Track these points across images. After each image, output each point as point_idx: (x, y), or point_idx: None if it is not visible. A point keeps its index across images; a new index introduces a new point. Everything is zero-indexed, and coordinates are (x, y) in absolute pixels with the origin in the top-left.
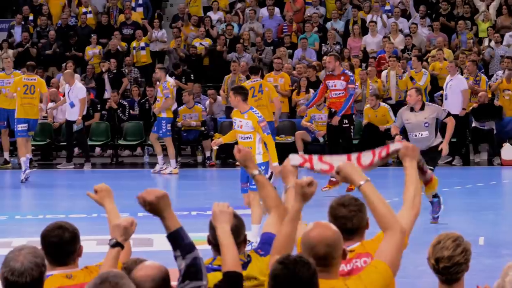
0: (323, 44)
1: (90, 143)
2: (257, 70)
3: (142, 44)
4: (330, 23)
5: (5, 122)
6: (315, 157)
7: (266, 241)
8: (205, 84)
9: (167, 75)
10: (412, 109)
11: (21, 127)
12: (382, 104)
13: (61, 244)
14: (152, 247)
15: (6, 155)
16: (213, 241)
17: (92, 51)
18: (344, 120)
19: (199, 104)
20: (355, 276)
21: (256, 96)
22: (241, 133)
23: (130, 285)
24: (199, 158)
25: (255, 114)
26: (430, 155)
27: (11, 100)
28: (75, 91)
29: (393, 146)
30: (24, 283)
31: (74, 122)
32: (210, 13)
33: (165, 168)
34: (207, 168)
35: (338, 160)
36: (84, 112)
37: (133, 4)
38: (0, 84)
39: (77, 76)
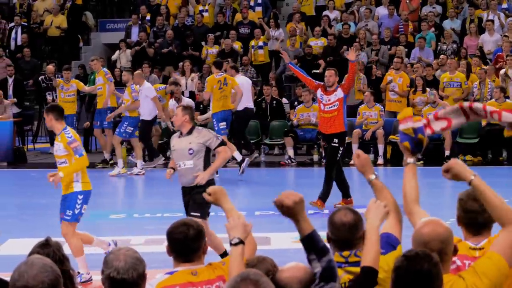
0: (439, 43)
1: None
2: (221, 65)
3: (260, 43)
4: (446, 22)
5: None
6: (430, 118)
7: (387, 241)
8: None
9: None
10: (181, 134)
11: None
12: (509, 100)
13: (185, 241)
14: (270, 245)
15: (107, 155)
16: (332, 237)
17: (209, 50)
18: (334, 139)
19: (316, 103)
20: (469, 268)
21: (222, 88)
22: (57, 158)
23: (270, 284)
24: (315, 157)
25: (66, 135)
26: (193, 197)
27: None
28: (144, 91)
29: (506, 117)
30: (131, 279)
31: (148, 121)
32: (326, 12)
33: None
34: (323, 167)
35: (453, 113)
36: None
37: (251, 3)
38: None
39: (193, 75)
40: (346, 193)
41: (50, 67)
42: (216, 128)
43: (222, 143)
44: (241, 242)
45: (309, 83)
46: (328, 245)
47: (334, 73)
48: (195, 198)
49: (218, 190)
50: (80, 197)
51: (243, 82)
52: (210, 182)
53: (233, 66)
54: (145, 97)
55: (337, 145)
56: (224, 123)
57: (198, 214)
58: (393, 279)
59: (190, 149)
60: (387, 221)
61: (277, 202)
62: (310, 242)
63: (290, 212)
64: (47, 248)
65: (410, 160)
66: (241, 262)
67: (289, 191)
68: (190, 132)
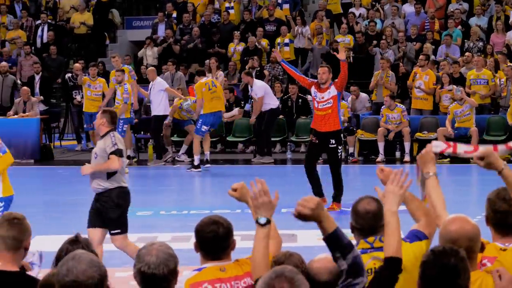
0: (465, 40)
1: (232, 139)
2: (203, 73)
3: (287, 40)
4: (473, 19)
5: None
6: (459, 143)
7: (414, 234)
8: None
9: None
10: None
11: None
12: None
13: (216, 239)
14: (296, 242)
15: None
16: (356, 226)
17: (235, 47)
18: (331, 140)
19: (343, 101)
20: (495, 263)
21: (211, 89)
22: None
23: (305, 281)
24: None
25: None
26: (108, 216)
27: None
28: (156, 86)
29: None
30: (161, 275)
31: (159, 117)
32: (352, 9)
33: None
34: (349, 164)
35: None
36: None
37: (279, 1)
38: (114, 82)
39: (220, 73)
40: (319, 192)
41: (77, 65)
42: (198, 127)
43: (116, 153)
44: (269, 222)
45: (302, 81)
46: (352, 240)
47: (328, 70)
48: (110, 216)
49: (243, 185)
50: (1, 204)
51: (263, 85)
52: (120, 193)
53: (248, 73)
54: (158, 91)
55: (335, 145)
56: (208, 127)
57: (119, 231)
58: (420, 273)
59: (95, 153)
60: (419, 222)
61: (296, 214)
62: (334, 240)
63: (311, 219)
64: (76, 244)
65: (432, 172)
66: (267, 245)
67: (304, 198)
68: (103, 136)
